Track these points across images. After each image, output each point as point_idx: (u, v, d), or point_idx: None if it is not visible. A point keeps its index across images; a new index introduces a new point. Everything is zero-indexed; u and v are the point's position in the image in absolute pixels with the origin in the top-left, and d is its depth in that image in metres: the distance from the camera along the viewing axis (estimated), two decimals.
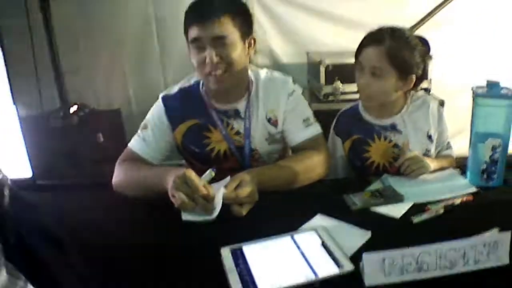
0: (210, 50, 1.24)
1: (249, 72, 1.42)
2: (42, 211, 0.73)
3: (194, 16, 1.27)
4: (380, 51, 1.31)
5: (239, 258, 0.91)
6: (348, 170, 1.53)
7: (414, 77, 1.37)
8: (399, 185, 1.27)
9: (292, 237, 0.98)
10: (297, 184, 1.29)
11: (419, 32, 2.49)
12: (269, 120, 1.41)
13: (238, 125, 1.40)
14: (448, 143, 1.54)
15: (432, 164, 1.37)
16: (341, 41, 2.67)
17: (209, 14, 1.23)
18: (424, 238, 0.88)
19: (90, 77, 2.71)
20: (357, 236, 1.00)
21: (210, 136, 1.40)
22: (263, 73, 1.44)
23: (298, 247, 0.95)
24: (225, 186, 1.12)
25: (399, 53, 1.32)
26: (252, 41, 1.35)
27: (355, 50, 1.40)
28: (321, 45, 2.71)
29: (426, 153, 1.45)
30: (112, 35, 2.64)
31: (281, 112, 1.41)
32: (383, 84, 1.35)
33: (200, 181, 1.09)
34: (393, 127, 1.46)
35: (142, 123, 1.42)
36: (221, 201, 1.08)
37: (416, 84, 1.41)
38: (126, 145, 1.40)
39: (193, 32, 1.25)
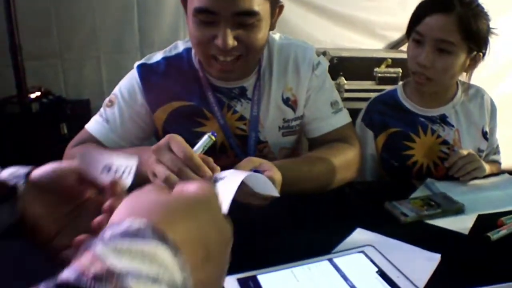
0: (225, 29, 0.84)
1: None
2: None
3: None
4: (450, 20, 1.01)
5: None
6: (377, 172, 1.21)
7: (481, 55, 1.08)
8: (450, 192, 0.97)
9: (331, 261, 0.67)
10: (331, 185, 0.95)
11: None
12: (286, 101, 1.03)
13: (242, 108, 1.02)
14: (497, 146, 1.25)
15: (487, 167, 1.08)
16: (340, 42, 2.44)
17: None
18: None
19: (60, 65, 2.35)
20: (422, 260, 0.70)
21: (205, 123, 1.02)
22: (278, 38, 1.07)
23: (345, 278, 0.63)
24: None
25: (473, 23, 1.02)
26: (278, 9, 0.96)
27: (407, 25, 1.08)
28: (318, 42, 2.40)
29: (479, 154, 1.15)
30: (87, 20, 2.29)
31: (303, 90, 1.04)
32: (451, 62, 1.04)
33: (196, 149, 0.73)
34: (443, 119, 1.15)
35: (107, 99, 1.03)
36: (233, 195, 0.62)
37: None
38: None
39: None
